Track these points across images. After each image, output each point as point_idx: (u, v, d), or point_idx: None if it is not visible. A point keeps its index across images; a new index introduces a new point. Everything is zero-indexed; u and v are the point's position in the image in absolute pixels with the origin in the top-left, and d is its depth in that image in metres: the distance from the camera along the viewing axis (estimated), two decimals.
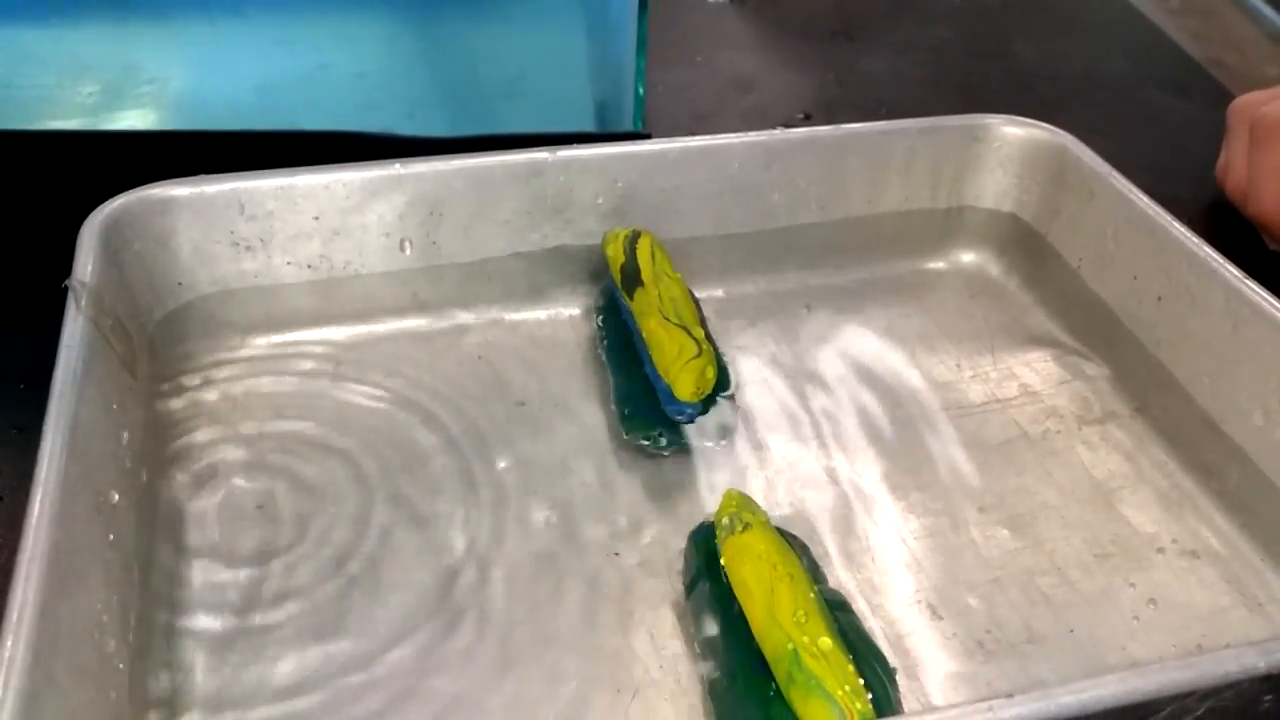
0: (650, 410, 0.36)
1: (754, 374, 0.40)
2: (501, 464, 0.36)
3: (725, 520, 0.31)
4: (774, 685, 0.27)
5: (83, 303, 0.32)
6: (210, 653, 0.30)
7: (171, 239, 0.37)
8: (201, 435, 0.36)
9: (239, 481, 0.34)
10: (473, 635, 0.31)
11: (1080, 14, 0.71)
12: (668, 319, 0.36)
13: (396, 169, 0.39)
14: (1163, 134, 0.57)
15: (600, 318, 0.40)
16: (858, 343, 0.42)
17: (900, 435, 0.38)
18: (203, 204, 0.37)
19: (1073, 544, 0.34)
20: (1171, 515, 0.36)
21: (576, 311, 0.42)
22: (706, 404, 0.36)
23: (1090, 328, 0.42)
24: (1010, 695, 0.24)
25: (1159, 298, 0.39)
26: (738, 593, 0.29)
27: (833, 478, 0.36)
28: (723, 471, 0.36)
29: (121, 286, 0.35)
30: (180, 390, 0.37)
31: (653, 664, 0.30)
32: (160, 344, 0.37)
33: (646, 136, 0.45)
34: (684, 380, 0.35)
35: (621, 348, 0.38)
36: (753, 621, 0.28)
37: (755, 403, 0.39)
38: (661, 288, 0.38)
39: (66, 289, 0.33)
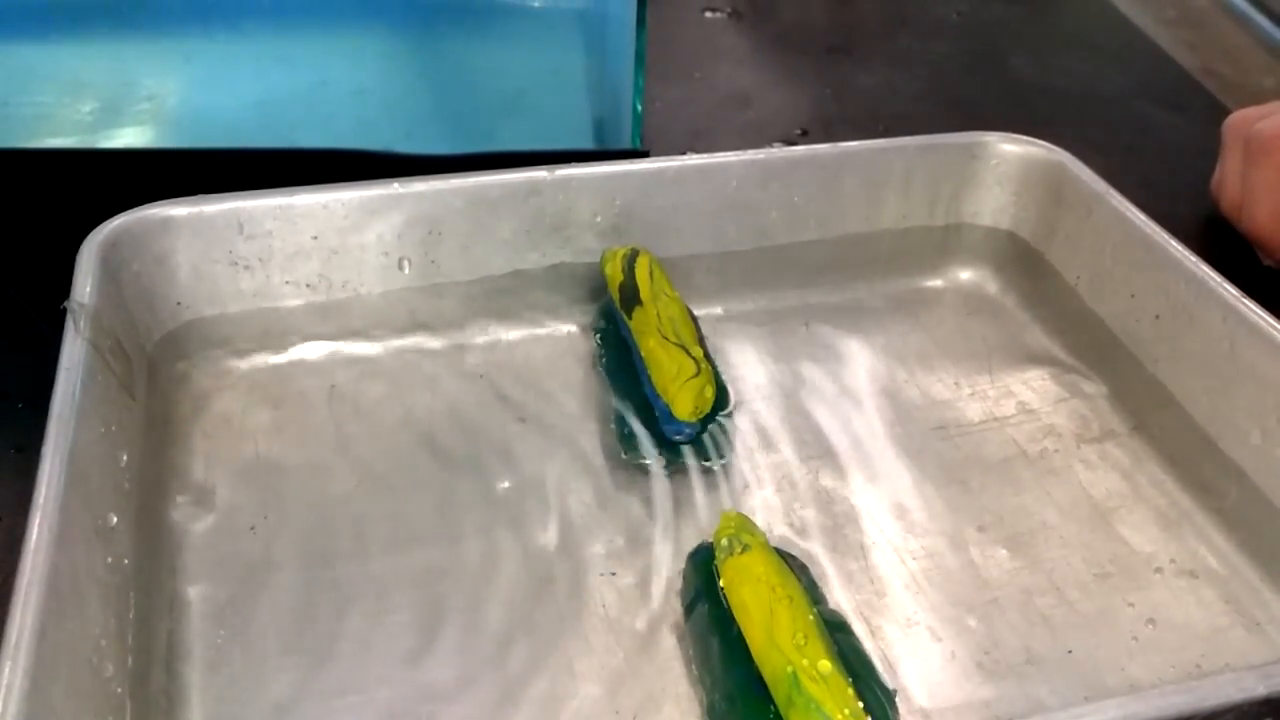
0: (649, 430, 0.36)
1: (752, 393, 0.40)
2: (499, 484, 0.36)
3: (724, 541, 0.31)
4: (774, 708, 0.27)
5: (81, 324, 0.32)
6: (207, 675, 0.30)
7: (170, 259, 0.37)
8: (200, 456, 0.36)
9: (237, 502, 0.34)
10: (470, 655, 0.31)
11: (1076, 28, 0.71)
12: (666, 338, 0.36)
13: (395, 188, 0.39)
14: (1159, 149, 0.57)
15: (599, 336, 0.40)
16: (856, 361, 0.42)
17: (898, 454, 0.38)
18: (201, 224, 0.37)
19: (1071, 564, 0.34)
20: (1170, 534, 0.36)
21: (575, 330, 0.42)
22: (705, 423, 0.36)
23: (1088, 346, 0.42)
24: None
25: (1157, 316, 0.39)
26: (737, 615, 0.29)
27: (831, 498, 0.36)
28: (721, 492, 0.36)
29: (120, 307, 0.35)
30: (179, 411, 0.37)
31: (652, 685, 0.30)
32: (159, 364, 0.37)
33: (645, 154, 0.45)
34: (682, 399, 0.35)
35: (620, 367, 0.38)
36: (752, 644, 0.28)
37: (754, 422, 0.39)
38: (660, 306, 0.38)
39: (65, 310, 0.33)
